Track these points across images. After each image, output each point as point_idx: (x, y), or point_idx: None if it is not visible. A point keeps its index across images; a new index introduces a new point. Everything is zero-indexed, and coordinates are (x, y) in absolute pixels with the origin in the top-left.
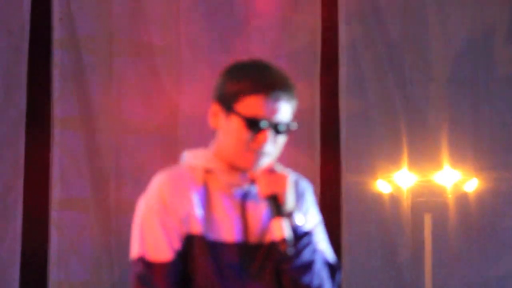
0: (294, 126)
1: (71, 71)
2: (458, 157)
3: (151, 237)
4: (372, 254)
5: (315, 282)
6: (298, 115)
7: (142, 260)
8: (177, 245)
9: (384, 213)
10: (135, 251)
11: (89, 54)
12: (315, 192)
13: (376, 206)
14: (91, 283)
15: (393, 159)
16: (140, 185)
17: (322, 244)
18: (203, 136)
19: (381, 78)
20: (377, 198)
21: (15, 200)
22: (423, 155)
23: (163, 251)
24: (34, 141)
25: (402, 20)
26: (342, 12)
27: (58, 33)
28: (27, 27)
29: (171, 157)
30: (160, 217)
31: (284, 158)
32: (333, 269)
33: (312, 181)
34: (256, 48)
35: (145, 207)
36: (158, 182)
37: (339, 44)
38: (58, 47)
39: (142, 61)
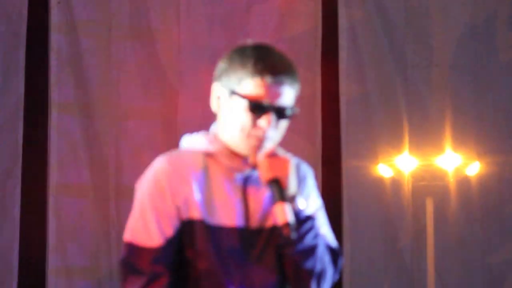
0: (296, 110)
1: (69, 56)
2: (460, 141)
3: (142, 221)
4: (374, 239)
5: (318, 267)
6: (299, 100)
7: (129, 245)
8: (169, 232)
9: (385, 197)
10: (125, 234)
11: (88, 39)
12: (316, 177)
13: (377, 190)
14: (90, 269)
15: (394, 143)
16: (140, 171)
17: (323, 228)
18: (203, 122)
19: (381, 63)
20: (378, 182)
21: (13, 186)
22: (424, 138)
23: (152, 236)
24: (33, 126)
25: (403, 5)
26: None
27: (55, 17)
28: (24, 11)
29: (171, 143)
30: (153, 202)
31: (285, 143)
32: (335, 254)
33: (313, 166)
34: (257, 33)
35: (140, 191)
36: (157, 166)
37: (338, 28)
38: (56, 32)
39: (141, 46)
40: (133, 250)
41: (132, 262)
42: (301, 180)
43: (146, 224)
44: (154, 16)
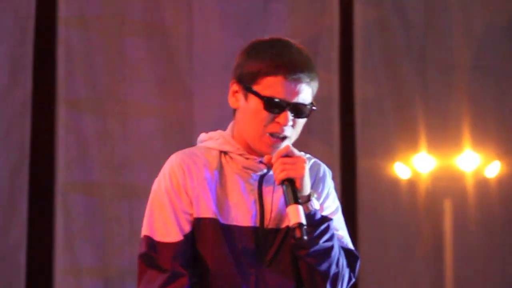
0: (314, 109)
1: (78, 51)
2: (480, 141)
3: (160, 217)
4: (389, 242)
5: (333, 269)
6: (315, 100)
7: (148, 240)
8: (187, 227)
9: (401, 198)
10: (143, 230)
11: (98, 34)
12: (335, 179)
13: (394, 191)
14: (99, 269)
15: (411, 143)
16: (153, 171)
17: (340, 231)
18: (218, 120)
19: (398, 63)
20: (394, 183)
21: (21, 183)
22: (443, 138)
23: (171, 232)
24: (40, 123)
25: (422, 4)
26: None
27: (63, 11)
28: (32, 5)
29: (185, 142)
30: (170, 197)
31: (302, 144)
32: (352, 257)
33: (331, 167)
34: (272, 31)
35: (157, 186)
36: (172, 162)
37: (354, 28)
38: (64, 26)
39: (153, 42)
40: (153, 245)
41: (153, 257)
42: (320, 180)
43: (165, 220)
44: (166, 12)
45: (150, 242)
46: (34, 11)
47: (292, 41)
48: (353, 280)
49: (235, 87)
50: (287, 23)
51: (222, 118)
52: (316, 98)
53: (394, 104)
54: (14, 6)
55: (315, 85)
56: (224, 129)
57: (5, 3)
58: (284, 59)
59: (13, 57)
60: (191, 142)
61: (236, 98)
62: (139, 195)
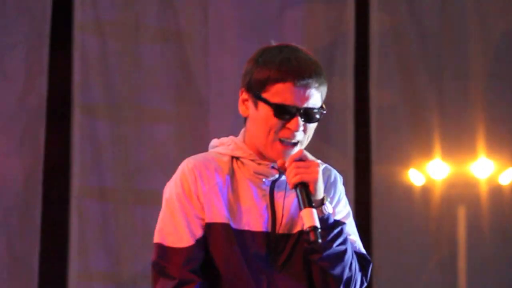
0: (324, 113)
1: (94, 56)
2: (494, 148)
3: (171, 223)
4: (403, 248)
5: (346, 273)
6: (330, 107)
7: (159, 247)
8: (199, 232)
9: (415, 204)
10: (155, 237)
11: (114, 40)
12: (348, 184)
13: (408, 197)
14: (112, 274)
15: (426, 150)
16: (170, 177)
17: (352, 236)
18: (234, 128)
19: (414, 70)
20: (408, 189)
21: (35, 188)
22: (457, 144)
23: (182, 237)
24: (56, 127)
25: (439, 12)
26: (375, 1)
27: (79, 16)
28: (48, 10)
29: (202, 150)
30: (182, 203)
31: (317, 150)
32: (364, 260)
33: (345, 173)
34: (288, 37)
35: (168, 192)
36: (184, 168)
37: (369, 35)
38: (80, 31)
39: (169, 48)
40: (164, 252)
41: (162, 265)
42: (332, 185)
43: (176, 226)
44: (182, 18)
45: (161, 249)
46: (50, 16)
47: (300, 46)
48: (365, 284)
49: (244, 95)
50: (303, 30)
51: (237, 124)
52: (331, 104)
53: (409, 111)
54: (30, 11)
55: (324, 89)
56: (238, 135)
57: (21, 8)
58: (292, 66)
59: (29, 62)
60: (206, 148)
61: (246, 106)
62: (153, 201)
